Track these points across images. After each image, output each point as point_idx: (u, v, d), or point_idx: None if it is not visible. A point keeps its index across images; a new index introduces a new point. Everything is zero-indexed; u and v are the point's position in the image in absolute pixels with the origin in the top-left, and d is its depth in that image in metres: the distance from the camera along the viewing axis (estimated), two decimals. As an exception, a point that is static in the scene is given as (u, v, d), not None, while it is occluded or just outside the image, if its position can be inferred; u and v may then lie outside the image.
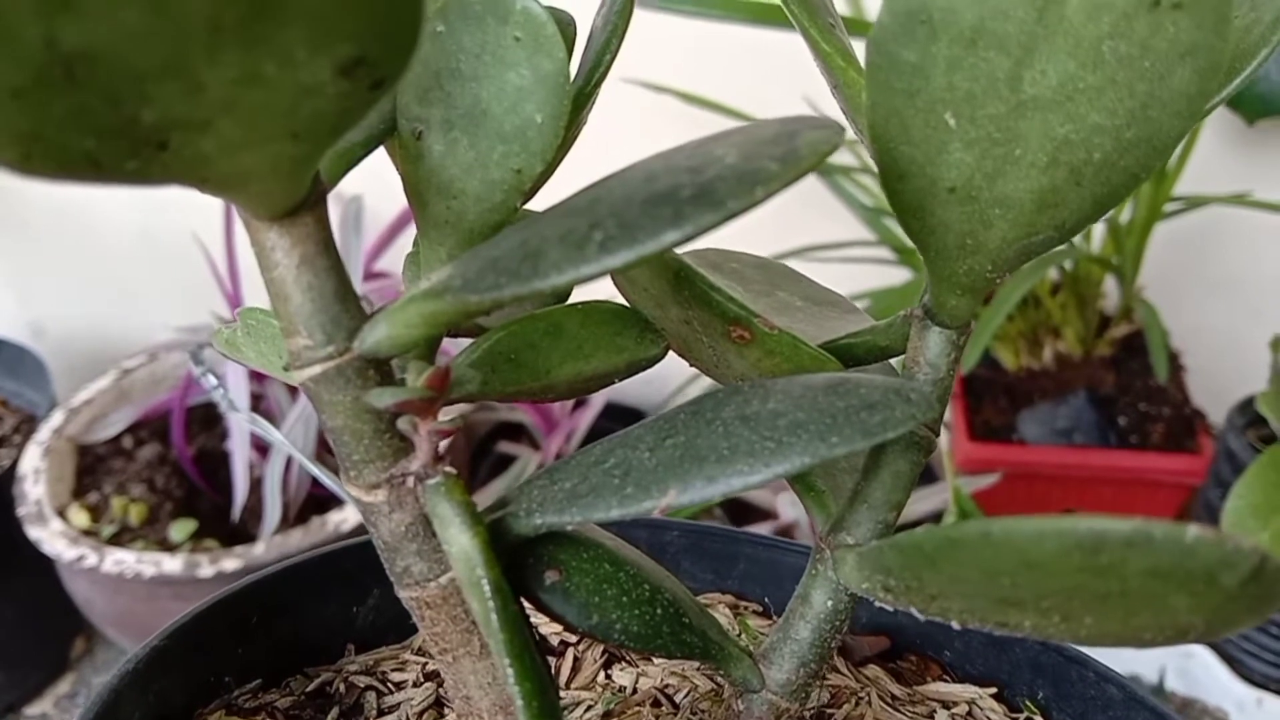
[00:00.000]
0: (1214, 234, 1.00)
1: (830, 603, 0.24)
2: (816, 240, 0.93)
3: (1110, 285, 0.98)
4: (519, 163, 0.23)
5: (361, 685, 0.31)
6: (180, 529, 0.98)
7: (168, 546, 0.96)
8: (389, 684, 0.32)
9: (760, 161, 0.18)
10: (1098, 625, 0.19)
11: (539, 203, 0.25)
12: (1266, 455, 0.82)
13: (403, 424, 0.21)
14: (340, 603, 0.33)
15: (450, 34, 0.22)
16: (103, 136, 0.15)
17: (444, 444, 0.22)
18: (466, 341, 0.24)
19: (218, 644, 0.29)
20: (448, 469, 0.21)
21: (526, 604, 0.23)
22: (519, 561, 0.22)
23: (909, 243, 0.93)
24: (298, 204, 0.20)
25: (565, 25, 0.24)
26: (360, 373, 0.21)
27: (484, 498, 0.96)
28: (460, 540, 0.21)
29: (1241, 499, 0.81)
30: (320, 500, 0.98)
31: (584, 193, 0.20)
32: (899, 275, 0.95)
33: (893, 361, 0.27)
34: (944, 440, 0.98)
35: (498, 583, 0.20)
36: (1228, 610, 0.17)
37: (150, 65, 0.14)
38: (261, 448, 0.99)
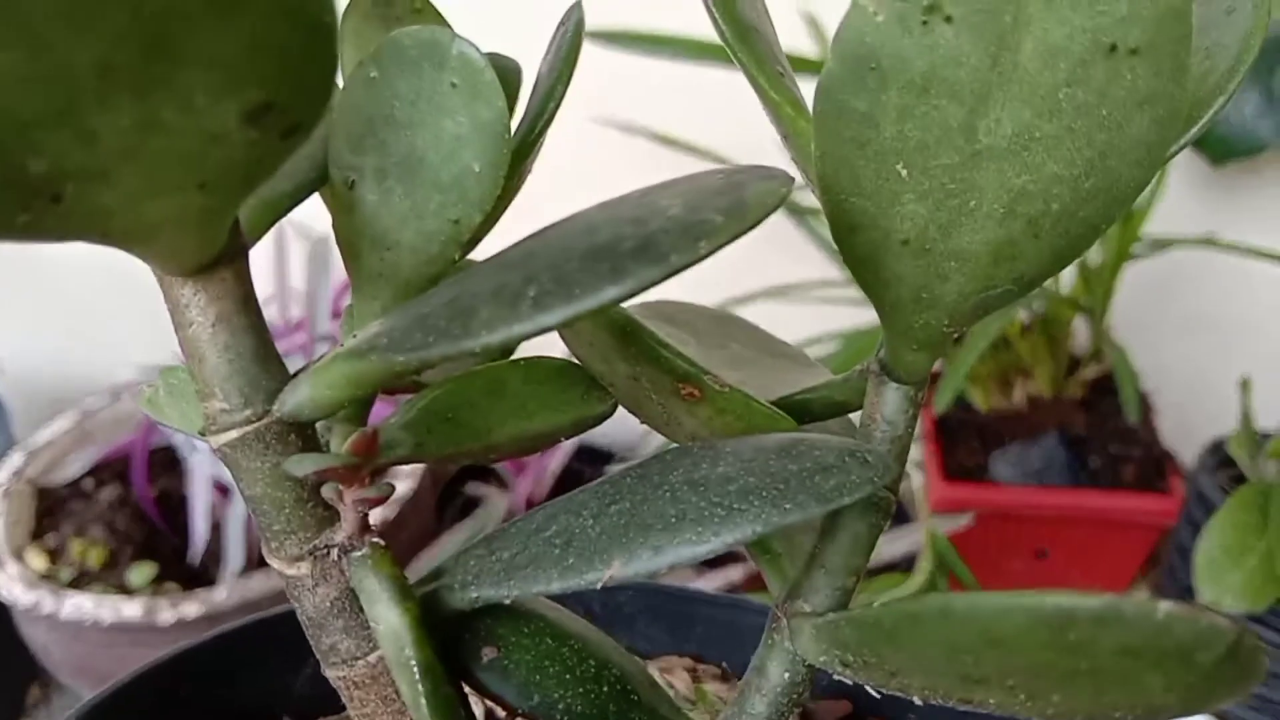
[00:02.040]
0: (1182, 276, 1.00)
1: (787, 675, 0.23)
2: (785, 281, 0.92)
3: (1080, 326, 0.98)
4: (456, 213, 0.22)
5: (299, 758, 0.30)
6: (139, 573, 0.95)
7: (127, 590, 0.94)
8: (327, 757, 0.30)
9: (705, 214, 0.17)
10: (1066, 703, 0.18)
11: (486, 251, 0.24)
12: (1237, 496, 0.82)
13: (327, 492, 0.20)
14: (277, 670, 0.31)
15: (384, 79, 0.21)
16: (-12, 189, 0.14)
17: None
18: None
19: (146, 717, 0.28)
20: (375, 540, 0.20)
21: (464, 682, 0.22)
22: (454, 637, 0.21)
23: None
24: (214, 258, 0.18)
25: (509, 72, 0.23)
26: (280, 438, 0.19)
27: (452, 539, 0.94)
28: (388, 617, 0.19)
29: (1212, 540, 0.81)
30: (283, 545, 0.95)
31: (521, 245, 0.19)
32: (868, 316, 0.94)
33: (851, 417, 0.26)
34: (917, 481, 0.97)
35: (428, 664, 0.19)
36: (1203, 689, 0.16)
37: (35, 112, 0.13)
38: (224, 489, 0.97)
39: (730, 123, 0.92)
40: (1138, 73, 0.18)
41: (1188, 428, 0.99)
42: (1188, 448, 0.96)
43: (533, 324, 0.16)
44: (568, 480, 1.03)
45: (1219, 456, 0.90)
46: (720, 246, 0.17)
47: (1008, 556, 0.98)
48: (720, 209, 0.17)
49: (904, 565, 0.87)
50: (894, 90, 0.18)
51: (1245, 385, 0.87)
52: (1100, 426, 0.96)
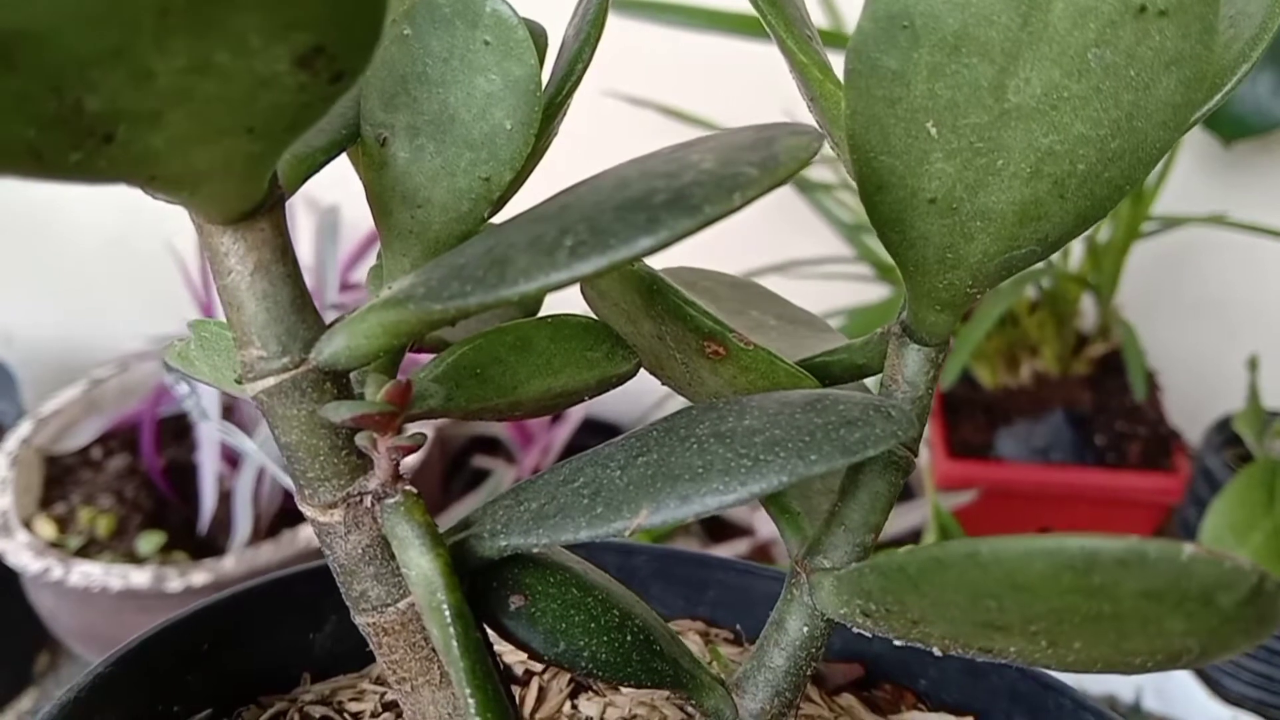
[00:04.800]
0: (1191, 254, 1.00)
1: (806, 629, 0.23)
2: (794, 256, 0.92)
3: (1088, 304, 0.98)
4: (487, 171, 0.22)
5: (317, 715, 0.30)
6: (148, 541, 0.96)
7: (135, 559, 0.94)
8: (346, 714, 0.30)
9: (738, 167, 0.17)
10: (1087, 650, 0.18)
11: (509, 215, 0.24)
12: (1243, 474, 0.82)
13: (361, 440, 0.20)
14: (296, 629, 0.31)
15: (417, 37, 0.21)
16: (44, 126, 0.14)
17: (408, 460, 0.21)
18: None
19: (166, 672, 0.28)
20: (408, 488, 0.20)
21: (490, 631, 0.22)
22: (482, 586, 0.22)
23: (887, 259, 0.92)
24: (254, 207, 0.19)
25: (536, 35, 0.23)
26: (316, 386, 0.20)
27: (458, 512, 0.95)
28: (420, 563, 0.20)
29: (1219, 517, 0.81)
30: (291, 513, 0.96)
31: (554, 199, 0.20)
32: (876, 292, 0.94)
33: (868, 381, 0.27)
34: (923, 457, 0.98)
35: (459, 608, 0.19)
36: (1224, 633, 0.16)
37: (95, 50, 0.14)
38: (232, 460, 0.98)
39: (736, 96, 0.92)
40: (1166, 34, 0.18)
41: (1194, 406, 0.99)
42: (1194, 426, 0.96)
43: (569, 273, 0.16)
44: (575, 452, 1.03)
45: (1225, 435, 0.90)
46: (754, 199, 0.17)
47: (1011, 533, 0.99)
48: (753, 162, 0.17)
49: (908, 540, 0.88)
50: (925, 48, 0.18)
51: (1253, 363, 0.87)
52: (1106, 404, 0.97)
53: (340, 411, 0.19)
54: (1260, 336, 0.98)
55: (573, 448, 1.03)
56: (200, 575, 0.85)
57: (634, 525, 0.19)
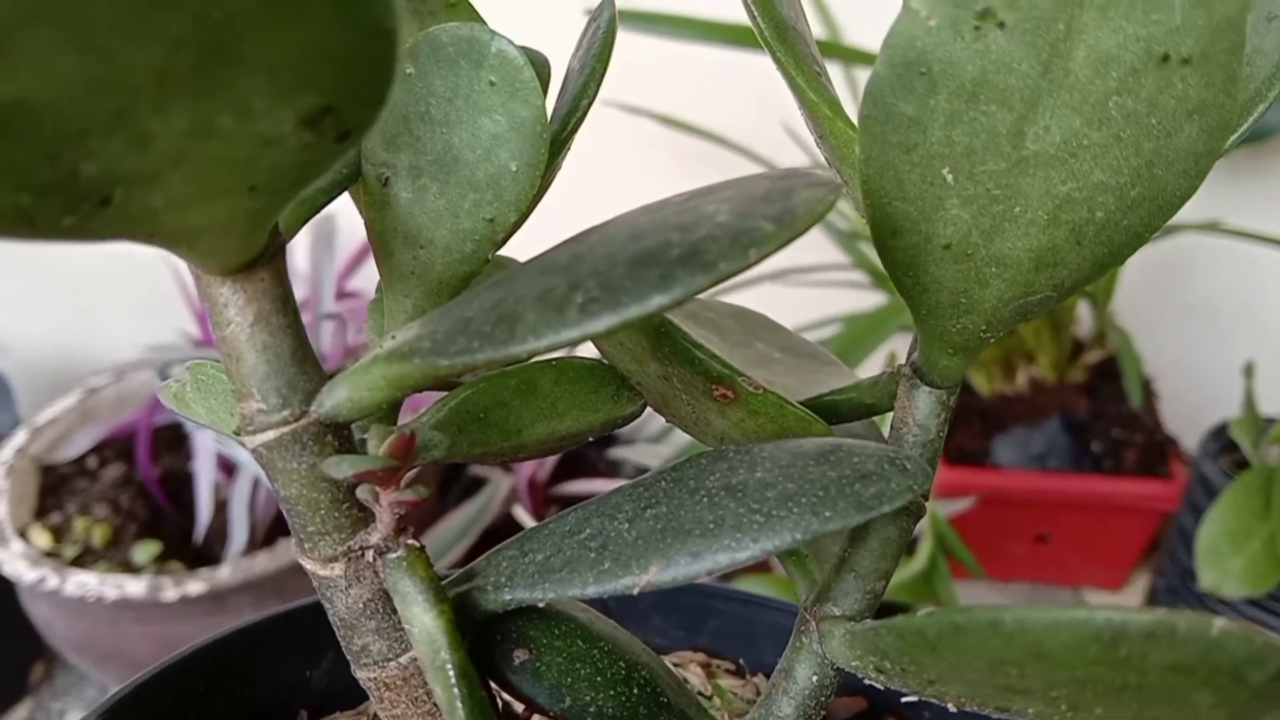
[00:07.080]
0: (1186, 261, 1.00)
1: (815, 678, 0.23)
2: (790, 264, 0.92)
3: (1084, 311, 0.98)
4: (492, 212, 0.21)
5: (317, 752, 0.30)
6: (144, 551, 0.95)
7: (131, 568, 0.94)
8: (346, 751, 0.30)
9: (754, 221, 0.17)
10: (1109, 716, 0.18)
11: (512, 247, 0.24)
12: (1240, 481, 0.82)
13: (362, 493, 0.20)
14: (293, 666, 0.31)
15: (421, 76, 0.21)
16: (38, 192, 0.14)
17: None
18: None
19: (164, 713, 0.28)
20: (410, 541, 0.20)
21: (494, 683, 0.22)
22: (486, 638, 0.21)
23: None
24: (254, 258, 0.18)
25: (539, 66, 0.22)
26: (317, 439, 0.19)
27: (454, 519, 0.94)
28: (423, 620, 0.19)
29: (1216, 525, 0.81)
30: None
31: (563, 248, 0.19)
32: (873, 299, 0.94)
33: (875, 420, 0.26)
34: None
35: (463, 667, 0.19)
36: (1253, 708, 0.16)
37: (92, 117, 0.13)
38: (228, 468, 0.97)
39: (734, 104, 0.92)
40: (1189, 82, 0.18)
41: (1190, 413, 0.99)
42: (1190, 433, 0.96)
43: (580, 330, 0.16)
44: (571, 462, 1.03)
45: (1222, 441, 0.90)
46: (769, 254, 0.16)
47: (1008, 540, 0.99)
48: (769, 216, 0.17)
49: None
50: (943, 95, 0.18)
51: (1249, 370, 0.87)
52: (1103, 411, 0.97)
53: (342, 468, 0.18)
54: (1256, 343, 0.98)
55: (569, 456, 1.03)
56: (196, 585, 0.85)
57: (643, 582, 0.19)
